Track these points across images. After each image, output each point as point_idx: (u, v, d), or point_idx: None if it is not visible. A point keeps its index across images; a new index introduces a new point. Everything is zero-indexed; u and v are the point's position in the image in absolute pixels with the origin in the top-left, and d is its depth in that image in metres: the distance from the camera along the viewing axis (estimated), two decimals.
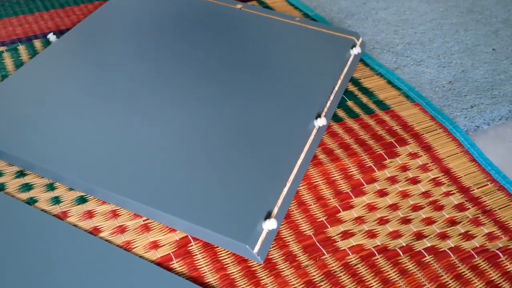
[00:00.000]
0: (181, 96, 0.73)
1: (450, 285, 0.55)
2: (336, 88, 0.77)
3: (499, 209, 0.64)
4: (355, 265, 0.57)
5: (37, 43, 0.86)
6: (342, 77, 0.79)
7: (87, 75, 0.76)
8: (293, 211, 0.62)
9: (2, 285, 0.52)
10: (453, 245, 0.60)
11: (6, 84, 0.73)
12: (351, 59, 0.83)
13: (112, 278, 0.53)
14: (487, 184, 0.67)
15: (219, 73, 0.78)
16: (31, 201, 0.61)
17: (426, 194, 0.65)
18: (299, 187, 0.65)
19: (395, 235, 0.60)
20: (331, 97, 0.75)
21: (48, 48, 0.81)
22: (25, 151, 0.64)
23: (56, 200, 0.61)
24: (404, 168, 0.68)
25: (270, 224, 0.57)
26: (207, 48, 0.82)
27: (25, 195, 0.62)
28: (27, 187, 0.63)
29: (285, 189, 0.62)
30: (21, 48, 0.85)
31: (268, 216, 0.58)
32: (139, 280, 0.53)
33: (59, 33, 0.89)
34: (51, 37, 0.86)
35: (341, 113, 0.76)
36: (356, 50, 0.84)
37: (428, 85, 0.83)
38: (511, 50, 0.92)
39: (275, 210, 0.59)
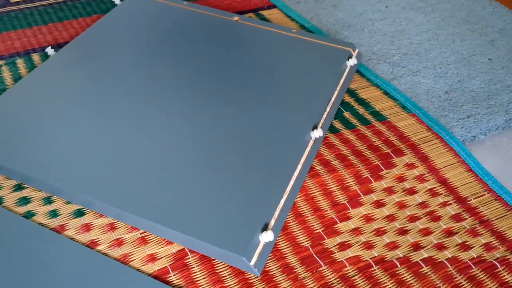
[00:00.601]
0: (178, 109, 0.73)
1: None
2: (333, 99, 0.77)
3: (496, 219, 0.64)
4: (352, 276, 0.57)
5: (36, 57, 0.87)
6: (338, 88, 0.79)
7: (85, 88, 0.76)
8: (290, 222, 0.62)
9: None
10: (450, 256, 0.60)
11: (4, 98, 0.74)
12: (347, 70, 0.83)
13: None
14: (484, 194, 0.67)
15: (216, 85, 0.78)
16: (29, 215, 0.61)
17: (423, 205, 0.65)
18: (296, 198, 0.65)
19: (392, 246, 0.60)
20: (328, 109, 0.76)
21: (46, 61, 0.81)
22: (23, 164, 0.64)
23: (54, 214, 0.61)
24: (401, 179, 0.68)
25: (267, 236, 0.57)
26: (205, 60, 0.83)
27: (22, 209, 0.62)
28: (25, 200, 0.63)
29: (282, 201, 0.62)
30: (20, 62, 0.86)
31: (265, 228, 0.58)
32: None
33: (57, 46, 0.90)
34: (49, 50, 0.86)
35: (337, 124, 0.76)
36: (352, 61, 0.84)
37: (425, 96, 0.84)
38: (507, 60, 0.93)
39: (272, 222, 0.59)
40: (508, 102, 0.83)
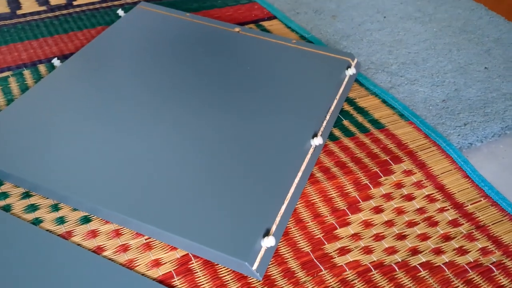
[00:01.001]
0: (181, 118, 0.75)
1: None
2: (332, 108, 0.79)
3: (492, 224, 0.66)
4: (352, 280, 0.58)
5: (42, 68, 0.89)
6: (337, 97, 0.81)
7: (90, 98, 0.78)
8: (291, 228, 0.64)
9: None
10: (447, 260, 0.61)
11: (12, 108, 0.76)
12: (346, 79, 0.85)
13: None
14: (481, 200, 0.69)
15: (218, 94, 0.80)
16: (37, 222, 0.63)
17: (421, 211, 0.67)
18: (296, 204, 0.66)
19: (391, 251, 0.62)
20: (327, 117, 0.78)
21: (52, 72, 0.83)
22: (31, 173, 0.66)
23: (61, 220, 0.63)
24: (399, 185, 0.70)
25: (268, 242, 0.58)
26: (206, 70, 0.85)
27: (30, 216, 0.64)
28: (33, 207, 0.65)
29: (283, 207, 0.63)
30: (26, 73, 0.88)
31: (266, 233, 0.60)
32: None
33: (63, 57, 0.92)
34: (56, 61, 0.89)
35: (337, 132, 0.78)
36: (351, 71, 0.86)
37: (422, 104, 0.86)
38: (503, 69, 0.95)
39: (274, 228, 0.61)
40: (504, 110, 0.85)
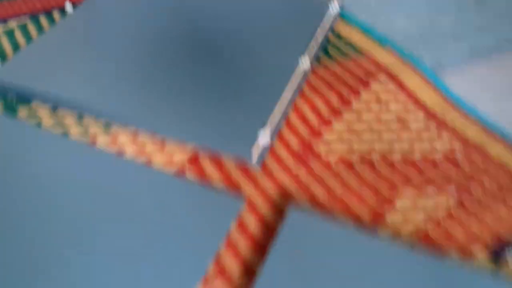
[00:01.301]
0: (184, 45, 0.85)
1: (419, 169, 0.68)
2: (319, 37, 0.89)
3: (459, 126, 0.76)
4: (337, 168, 0.69)
5: (56, 15, 0.98)
6: (323, 27, 0.91)
7: (104, 31, 0.88)
8: (283, 132, 0.74)
9: (41, 209, 0.63)
10: (419, 154, 0.71)
11: (34, 45, 0.85)
12: (331, 15, 0.95)
13: (137, 188, 0.64)
14: (450, 109, 0.79)
15: (214, 29, 0.89)
16: (64, 134, 0.73)
17: (397, 118, 0.77)
18: (288, 114, 0.76)
19: (370, 148, 0.72)
20: (314, 44, 0.87)
21: (67, 16, 0.93)
22: (56, 90, 0.76)
23: (85, 131, 0.73)
24: (377, 98, 0.80)
25: (265, 138, 0.69)
26: (201, 13, 0.94)
27: (58, 130, 0.73)
28: (59, 123, 0.75)
29: (277, 112, 0.74)
30: (42, 18, 0.97)
31: (263, 134, 0.70)
32: (161, 186, 0.64)
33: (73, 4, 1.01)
34: (68, 6, 0.98)
35: (322, 57, 0.88)
36: (335, 7, 0.96)
37: (400, 35, 0.95)
38: (474, 3, 1.04)
39: (268, 129, 0.71)
40: (474, 38, 0.94)
